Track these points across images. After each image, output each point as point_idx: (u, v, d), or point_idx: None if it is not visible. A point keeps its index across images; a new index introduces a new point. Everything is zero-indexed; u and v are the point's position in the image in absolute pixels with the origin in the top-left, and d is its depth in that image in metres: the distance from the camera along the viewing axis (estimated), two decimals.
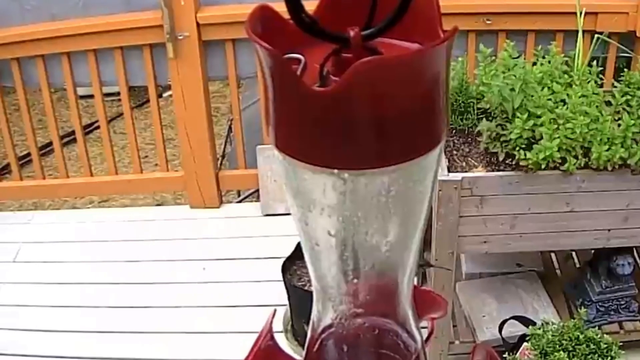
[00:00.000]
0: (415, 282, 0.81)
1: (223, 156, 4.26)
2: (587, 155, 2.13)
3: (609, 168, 2.11)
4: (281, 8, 0.65)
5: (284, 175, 0.70)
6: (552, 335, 2.09)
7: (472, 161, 2.22)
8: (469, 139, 2.30)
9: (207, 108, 3.28)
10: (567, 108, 2.15)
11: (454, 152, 2.26)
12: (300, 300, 2.62)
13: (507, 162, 2.17)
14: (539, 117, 2.13)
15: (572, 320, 2.17)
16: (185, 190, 3.50)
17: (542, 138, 2.10)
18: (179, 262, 3.14)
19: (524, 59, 2.31)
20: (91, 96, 3.54)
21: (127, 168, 3.96)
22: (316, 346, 0.82)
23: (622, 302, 2.49)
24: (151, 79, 3.22)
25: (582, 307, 2.34)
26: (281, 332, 2.69)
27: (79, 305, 2.93)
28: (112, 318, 2.86)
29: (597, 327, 2.29)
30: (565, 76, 2.29)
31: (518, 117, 2.11)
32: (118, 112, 4.76)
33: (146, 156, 4.29)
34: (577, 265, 2.73)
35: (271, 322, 0.84)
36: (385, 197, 0.69)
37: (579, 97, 2.16)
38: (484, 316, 2.55)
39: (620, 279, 2.44)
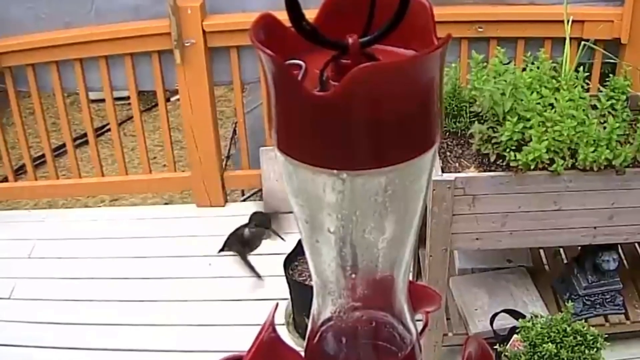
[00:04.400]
0: (411, 277, 0.81)
1: (228, 157, 4.25)
2: (574, 156, 2.13)
3: (595, 169, 2.11)
4: (283, 16, 0.65)
5: (286, 176, 0.70)
6: (541, 328, 2.09)
7: (465, 162, 2.22)
8: (462, 141, 2.30)
9: (213, 111, 3.28)
10: (555, 112, 2.15)
11: (448, 153, 2.25)
12: (301, 295, 2.62)
13: (498, 163, 2.17)
14: (529, 120, 2.13)
15: (560, 313, 2.17)
16: (192, 190, 3.50)
17: (531, 140, 2.10)
18: (186, 258, 3.14)
19: (514, 65, 2.30)
20: (102, 100, 3.54)
21: (136, 169, 3.96)
22: (316, 338, 0.82)
23: (608, 296, 2.49)
24: (159, 83, 3.22)
25: (570, 301, 2.34)
26: (283, 324, 2.69)
27: (90, 299, 2.93)
28: (123, 311, 2.86)
29: (583, 320, 2.28)
30: (553, 81, 2.29)
31: (508, 120, 2.11)
32: (128, 116, 4.76)
33: (155, 157, 4.29)
34: (565, 261, 2.73)
35: (273, 315, 0.84)
36: (382, 196, 0.69)
37: (567, 101, 2.16)
38: (476, 309, 2.54)
39: (606, 274, 2.44)
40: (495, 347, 2.14)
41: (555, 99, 2.19)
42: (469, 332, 2.49)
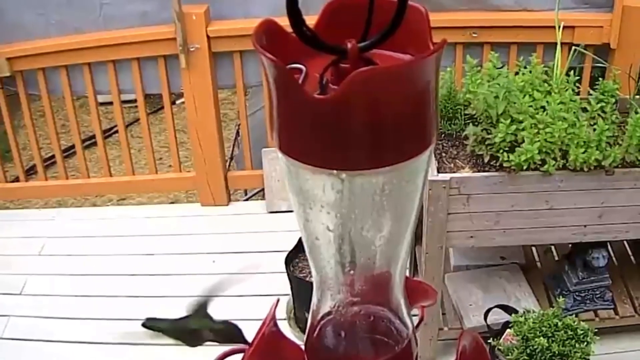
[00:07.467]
0: (407, 274, 0.81)
1: (231, 158, 4.26)
2: (565, 157, 2.13)
3: (585, 169, 2.11)
4: (284, 22, 0.65)
5: (287, 176, 0.70)
6: (533, 323, 2.09)
7: (460, 163, 2.22)
8: (457, 142, 2.30)
9: (217, 114, 3.27)
10: (547, 114, 2.15)
11: (443, 154, 2.26)
12: (301, 290, 2.62)
13: (491, 163, 2.17)
14: (521, 122, 2.13)
15: (552, 308, 2.17)
16: (197, 190, 3.50)
17: (523, 141, 2.10)
18: (191, 255, 3.14)
19: (507, 69, 2.30)
20: (110, 103, 3.54)
21: (143, 169, 3.96)
22: (316, 332, 0.82)
23: (597, 292, 2.49)
24: (165, 87, 3.22)
25: (561, 297, 2.34)
26: (284, 319, 2.69)
27: (99, 295, 2.93)
28: (130, 306, 2.86)
29: (574, 315, 2.29)
30: (545, 85, 2.29)
31: (502, 122, 2.11)
32: (135, 118, 4.76)
33: (160, 158, 4.29)
34: (556, 258, 2.73)
35: (275, 310, 0.84)
36: (379, 196, 0.69)
37: (558, 104, 2.16)
38: (470, 305, 2.54)
39: (596, 270, 2.44)
40: (489, 341, 2.14)
41: (547, 101, 2.19)
42: (463, 326, 2.49)
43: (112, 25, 3.10)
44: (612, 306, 2.50)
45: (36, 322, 2.80)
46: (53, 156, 3.71)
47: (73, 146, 3.67)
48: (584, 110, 2.25)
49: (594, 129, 2.14)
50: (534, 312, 2.17)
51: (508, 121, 2.11)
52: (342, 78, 0.61)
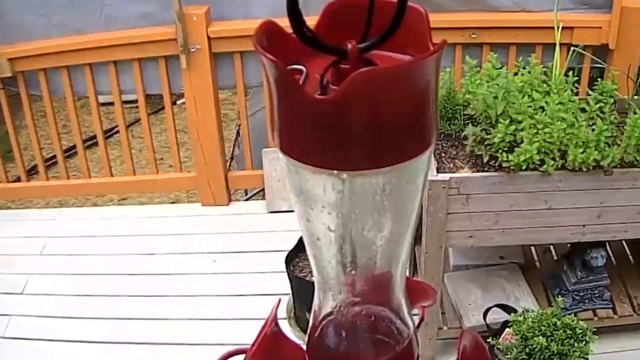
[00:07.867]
0: (407, 274, 0.81)
1: (232, 158, 4.25)
2: (564, 157, 2.13)
3: (584, 169, 2.11)
4: (285, 23, 0.65)
5: (288, 176, 0.70)
6: (532, 322, 2.09)
7: (459, 163, 2.22)
8: (456, 143, 2.30)
9: (217, 114, 3.27)
10: (546, 114, 2.15)
11: (443, 154, 2.25)
12: (302, 290, 2.62)
13: (490, 163, 2.17)
14: (520, 122, 2.13)
15: (550, 308, 2.17)
16: (197, 189, 3.50)
17: (522, 142, 2.10)
18: (191, 255, 3.14)
19: (507, 69, 2.30)
20: (111, 103, 3.54)
21: (144, 169, 3.96)
22: (317, 332, 0.82)
23: (596, 292, 2.48)
24: (166, 87, 3.22)
25: (560, 296, 2.34)
26: (285, 319, 2.69)
27: (100, 295, 2.93)
28: (131, 306, 2.86)
29: (573, 314, 2.28)
30: (544, 85, 2.29)
31: (501, 123, 2.11)
32: (136, 118, 4.76)
33: (161, 158, 4.29)
34: (555, 258, 2.73)
35: (276, 310, 0.84)
36: (380, 196, 0.69)
37: (557, 105, 2.16)
38: (470, 304, 2.54)
39: (594, 270, 2.44)
40: (488, 340, 2.14)
41: (546, 102, 2.19)
42: (463, 326, 2.49)
43: (113, 26, 3.09)
44: (611, 305, 2.50)
45: (38, 322, 2.80)
46: (54, 156, 3.71)
47: (74, 146, 3.67)
48: (583, 110, 2.25)
49: (593, 129, 2.14)
50: (533, 311, 2.17)
51: (507, 121, 2.11)
52: (342, 79, 0.61)
